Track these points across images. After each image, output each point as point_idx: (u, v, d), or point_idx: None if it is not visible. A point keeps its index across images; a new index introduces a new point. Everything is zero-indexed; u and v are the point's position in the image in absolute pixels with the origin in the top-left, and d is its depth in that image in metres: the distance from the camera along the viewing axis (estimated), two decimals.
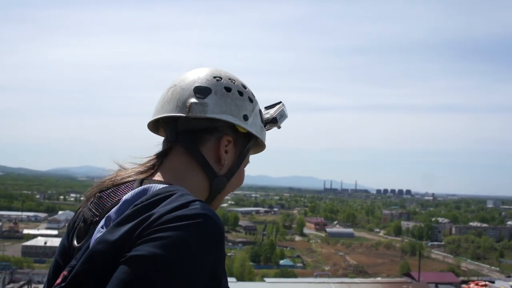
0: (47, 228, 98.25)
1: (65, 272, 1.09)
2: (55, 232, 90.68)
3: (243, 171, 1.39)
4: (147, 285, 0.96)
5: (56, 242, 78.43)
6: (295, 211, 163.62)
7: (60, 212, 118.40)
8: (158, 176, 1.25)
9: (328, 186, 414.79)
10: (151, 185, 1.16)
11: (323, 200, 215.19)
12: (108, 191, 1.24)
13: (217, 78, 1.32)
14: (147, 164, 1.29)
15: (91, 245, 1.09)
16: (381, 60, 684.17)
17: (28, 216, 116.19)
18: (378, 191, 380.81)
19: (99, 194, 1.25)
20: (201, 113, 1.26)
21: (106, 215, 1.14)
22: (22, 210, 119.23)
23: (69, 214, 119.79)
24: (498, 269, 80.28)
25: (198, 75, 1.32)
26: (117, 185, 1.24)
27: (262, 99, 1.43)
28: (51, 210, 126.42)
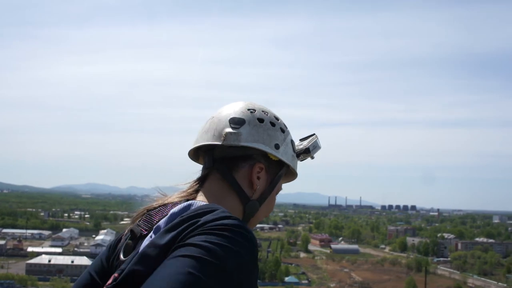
0: (51, 246, 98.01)
1: (115, 274, 1.18)
2: (59, 249, 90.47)
3: (274, 198, 1.51)
4: (191, 269, 1.03)
5: (60, 259, 78.24)
6: (299, 228, 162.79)
7: (64, 230, 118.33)
8: (199, 198, 1.40)
9: (332, 202, 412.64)
10: (195, 201, 1.31)
11: (328, 217, 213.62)
12: (156, 209, 1.36)
13: (251, 110, 1.46)
14: (190, 190, 1.44)
15: (140, 250, 1.20)
16: (387, 75, 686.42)
17: (32, 234, 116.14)
18: (383, 207, 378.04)
19: (147, 213, 1.37)
20: (235, 141, 1.40)
21: (155, 226, 1.26)
22: (27, 228, 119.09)
23: (73, 231, 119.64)
24: (505, 285, 79.33)
25: (234, 108, 1.47)
26: (164, 205, 1.37)
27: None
28: (55, 228, 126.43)
